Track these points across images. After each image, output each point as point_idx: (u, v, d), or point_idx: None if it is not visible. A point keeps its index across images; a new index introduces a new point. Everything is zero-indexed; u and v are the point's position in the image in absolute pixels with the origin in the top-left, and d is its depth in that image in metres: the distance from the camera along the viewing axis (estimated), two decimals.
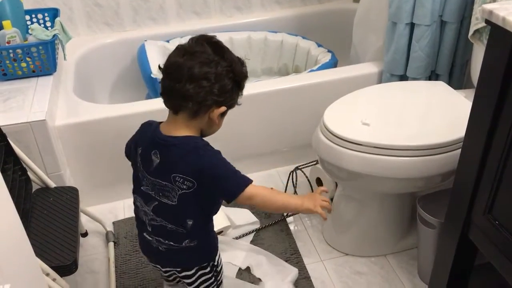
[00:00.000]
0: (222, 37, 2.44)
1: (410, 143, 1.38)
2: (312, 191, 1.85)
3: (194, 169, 1.08)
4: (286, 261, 1.63)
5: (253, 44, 2.49)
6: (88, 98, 2.00)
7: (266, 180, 2.03)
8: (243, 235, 1.76)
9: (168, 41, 2.36)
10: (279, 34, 2.49)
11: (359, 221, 1.65)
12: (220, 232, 1.72)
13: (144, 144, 1.15)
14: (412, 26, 1.78)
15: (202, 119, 1.10)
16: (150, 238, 1.21)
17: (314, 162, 1.93)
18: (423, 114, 1.55)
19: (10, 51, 1.73)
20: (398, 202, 1.60)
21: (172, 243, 1.18)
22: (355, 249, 1.69)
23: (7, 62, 1.76)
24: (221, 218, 1.73)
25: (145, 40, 2.27)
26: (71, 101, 1.87)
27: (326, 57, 2.28)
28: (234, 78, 1.09)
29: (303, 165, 1.98)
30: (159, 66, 1.11)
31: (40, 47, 1.76)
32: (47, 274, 1.31)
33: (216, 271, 1.27)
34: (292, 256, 1.68)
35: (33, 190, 1.57)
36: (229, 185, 1.11)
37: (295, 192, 1.90)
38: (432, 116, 1.55)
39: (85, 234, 1.79)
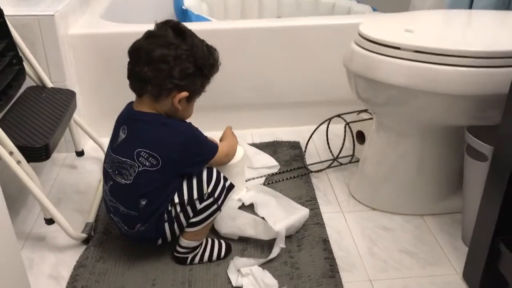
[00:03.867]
0: None
1: (462, 48, 1.10)
2: (354, 146, 1.57)
3: (165, 144, 1.06)
4: None
5: (301, 5, 2.30)
6: None
7: (296, 136, 1.78)
8: (257, 177, 1.51)
9: None
10: None
11: (394, 170, 1.35)
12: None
13: (118, 121, 1.15)
14: None
15: (165, 103, 1.07)
16: (115, 219, 1.16)
17: (357, 112, 1.63)
18: (485, 27, 1.26)
19: None
20: (445, 145, 1.29)
21: (126, 227, 1.13)
22: (385, 205, 1.38)
23: None
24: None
25: None
26: (93, 19, 1.75)
27: None
28: (195, 63, 1.05)
29: (345, 113, 1.61)
30: (128, 51, 1.08)
31: None
32: (11, 153, 1.14)
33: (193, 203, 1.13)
34: (307, 202, 1.40)
35: (29, 86, 1.43)
36: (206, 149, 1.14)
37: (328, 144, 1.61)
38: (498, 29, 1.25)
39: (81, 153, 1.61)
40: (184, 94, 1.06)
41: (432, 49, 1.11)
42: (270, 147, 1.68)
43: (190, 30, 1.09)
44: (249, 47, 1.69)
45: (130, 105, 1.14)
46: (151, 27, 1.62)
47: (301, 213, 1.28)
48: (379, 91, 1.22)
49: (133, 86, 1.09)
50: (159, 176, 1.07)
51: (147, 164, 1.06)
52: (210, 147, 1.15)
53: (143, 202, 1.08)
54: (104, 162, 1.16)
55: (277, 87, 1.77)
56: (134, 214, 1.10)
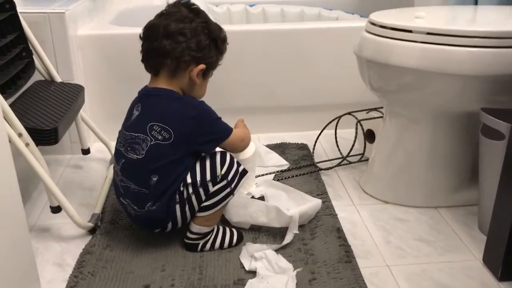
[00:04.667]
0: (274, 9, 2.33)
1: (473, 28, 1.11)
2: (365, 146, 1.56)
3: (178, 117, 1.06)
4: None
5: (305, 18, 2.33)
6: None
7: (303, 140, 1.76)
8: (266, 174, 1.49)
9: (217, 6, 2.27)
10: (335, 11, 2.33)
11: (407, 162, 1.33)
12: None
13: (132, 102, 1.15)
14: None
15: (182, 78, 1.09)
16: (125, 202, 1.14)
17: (367, 111, 1.62)
18: (493, 16, 1.28)
19: None
20: (458, 135, 1.28)
21: (136, 208, 1.10)
22: (398, 198, 1.36)
23: None
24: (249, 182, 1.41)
25: None
26: (102, 23, 1.77)
27: None
28: (210, 35, 1.09)
29: (355, 111, 1.60)
30: (139, 36, 1.11)
31: None
32: (20, 135, 1.12)
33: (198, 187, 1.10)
34: (318, 196, 1.37)
35: (38, 80, 1.43)
36: (219, 129, 1.12)
37: (336, 142, 1.60)
38: (505, 17, 1.26)
39: (87, 151, 1.58)
40: (201, 66, 1.08)
41: (444, 30, 1.12)
42: (278, 148, 1.67)
43: (201, 9, 1.11)
44: (254, 50, 1.70)
45: (144, 86, 1.14)
46: None
47: (314, 202, 1.25)
48: (391, 76, 1.22)
49: (149, 65, 1.10)
50: (171, 151, 1.06)
51: (160, 137, 1.05)
52: (223, 128, 1.13)
53: (155, 179, 1.06)
54: (116, 144, 1.15)
55: (283, 90, 1.77)
56: (145, 191, 1.07)
